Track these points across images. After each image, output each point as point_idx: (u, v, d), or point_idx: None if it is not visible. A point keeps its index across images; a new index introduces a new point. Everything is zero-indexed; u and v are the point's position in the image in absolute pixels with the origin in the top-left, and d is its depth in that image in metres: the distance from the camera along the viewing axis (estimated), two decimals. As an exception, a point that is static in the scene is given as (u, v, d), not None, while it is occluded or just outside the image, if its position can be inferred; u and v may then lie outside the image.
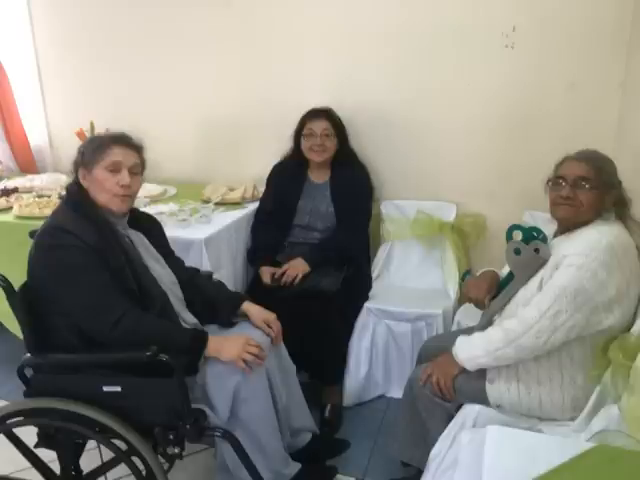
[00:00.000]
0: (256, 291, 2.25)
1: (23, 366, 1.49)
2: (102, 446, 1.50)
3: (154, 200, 2.59)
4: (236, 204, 2.55)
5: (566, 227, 1.55)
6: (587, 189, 1.48)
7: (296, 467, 1.69)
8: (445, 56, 2.42)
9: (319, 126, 2.36)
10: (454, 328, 2.19)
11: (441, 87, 2.47)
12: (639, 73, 2.07)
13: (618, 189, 1.52)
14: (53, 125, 3.21)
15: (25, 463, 1.60)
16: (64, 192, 1.66)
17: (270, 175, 2.55)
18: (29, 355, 1.48)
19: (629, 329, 1.42)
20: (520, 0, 2.28)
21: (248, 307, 1.76)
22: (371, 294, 2.38)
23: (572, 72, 2.28)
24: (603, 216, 1.51)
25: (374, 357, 2.33)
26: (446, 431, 1.52)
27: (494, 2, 2.31)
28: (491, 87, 2.40)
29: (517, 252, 1.56)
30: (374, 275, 2.53)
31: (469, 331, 1.66)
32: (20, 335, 1.51)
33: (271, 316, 1.75)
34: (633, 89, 2.13)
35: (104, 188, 1.55)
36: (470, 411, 1.52)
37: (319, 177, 2.46)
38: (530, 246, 1.53)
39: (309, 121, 2.38)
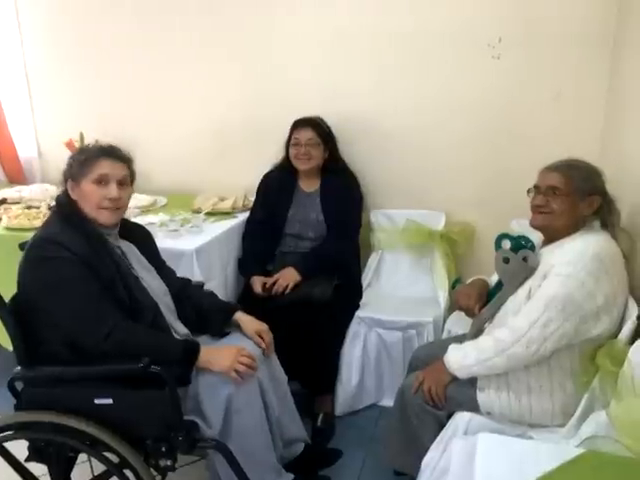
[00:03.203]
0: (247, 301, 2.25)
1: (14, 379, 1.48)
2: (93, 459, 1.49)
3: (144, 210, 2.58)
4: (227, 214, 2.55)
5: (550, 236, 1.58)
6: (557, 196, 1.52)
7: (289, 478, 1.69)
8: (433, 66, 2.45)
9: (304, 135, 2.38)
10: (445, 336, 2.19)
11: (430, 97, 2.50)
12: (623, 83, 2.11)
13: (597, 196, 1.54)
14: (42, 135, 3.19)
15: (16, 477, 1.58)
16: (53, 203, 1.65)
17: (260, 184, 2.55)
18: (20, 368, 1.47)
19: (616, 336, 1.44)
20: (505, 11, 2.32)
21: (240, 317, 1.76)
22: (362, 303, 2.39)
23: (558, 82, 2.32)
24: (588, 225, 1.54)
25: (366, 366, 2.33)
26: (438, 439, 1.52)
27: (479, 14, 2.34)
28: (478, 97, 2.43)
29: (506, 261, 1.58)
30: (365, 284, 2.53)
31: (460, 339, 1.68)
32: (10, 347, 1.50)
33: (263, 327, 1.75)
34: (617, 99, 2.17)
35: (92, 201, 1.55)
36: (461, 419, 1.53)
37: (309, 186, 2.47)
38: (519, 255, 1.55)
39: (296, 130, 2.41)
